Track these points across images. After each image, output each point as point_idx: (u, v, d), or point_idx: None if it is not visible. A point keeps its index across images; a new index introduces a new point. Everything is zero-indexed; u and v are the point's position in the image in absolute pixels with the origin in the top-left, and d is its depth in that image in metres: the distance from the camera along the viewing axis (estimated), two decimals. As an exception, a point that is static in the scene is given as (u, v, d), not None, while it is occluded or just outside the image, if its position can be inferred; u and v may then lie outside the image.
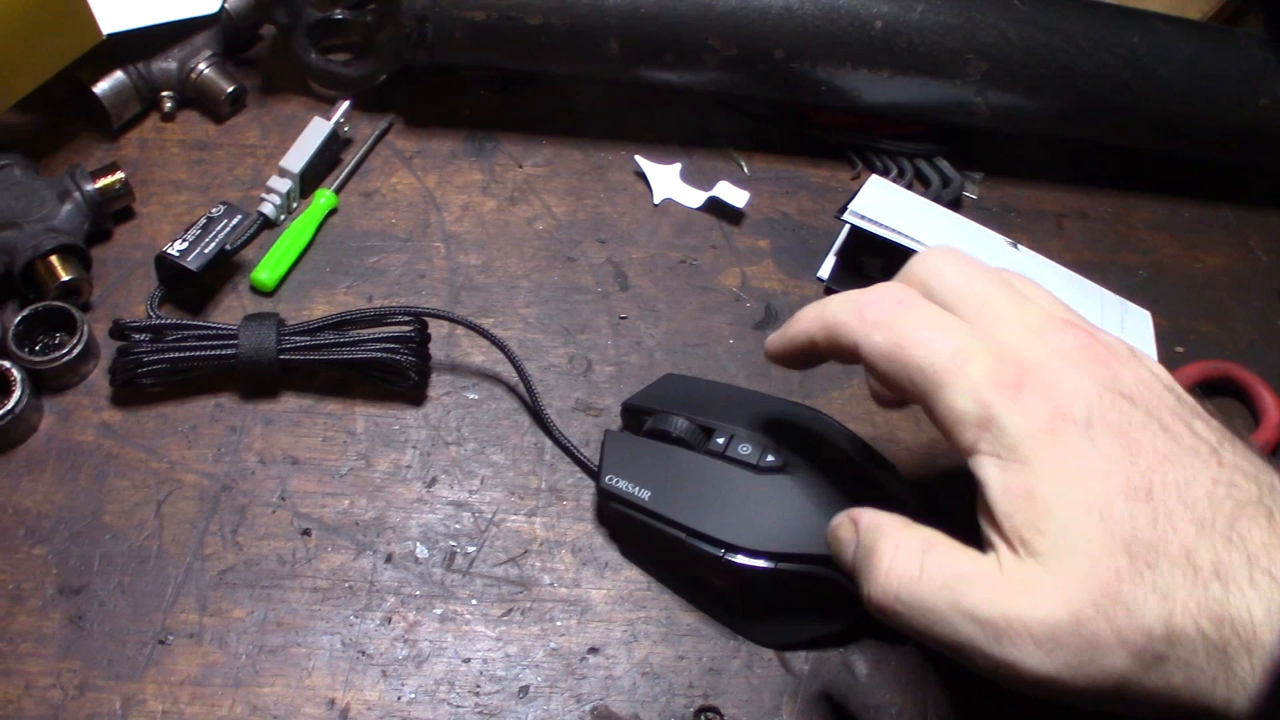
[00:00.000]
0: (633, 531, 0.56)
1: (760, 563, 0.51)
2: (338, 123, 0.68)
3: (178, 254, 0.59)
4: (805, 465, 0.53)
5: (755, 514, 0.52)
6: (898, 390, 0.43)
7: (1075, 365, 0.41)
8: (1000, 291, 0.44)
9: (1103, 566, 0.37)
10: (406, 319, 0.59)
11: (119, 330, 0.57)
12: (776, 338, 0.49)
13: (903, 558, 0.41)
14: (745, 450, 0.53)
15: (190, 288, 0.62)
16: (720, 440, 0.54)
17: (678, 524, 0.53)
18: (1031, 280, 0.46)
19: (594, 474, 0.58)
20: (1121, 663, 0.37)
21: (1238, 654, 0.36)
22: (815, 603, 0.53)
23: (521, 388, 0.60)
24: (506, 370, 0.62)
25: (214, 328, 0.58)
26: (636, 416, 0.58)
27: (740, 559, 0.51)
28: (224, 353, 0.57)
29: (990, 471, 0.40)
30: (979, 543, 0.41)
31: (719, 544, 0.52)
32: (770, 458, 0.53)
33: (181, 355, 0.57)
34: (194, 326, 0.58)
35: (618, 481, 0.55)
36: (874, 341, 0.43)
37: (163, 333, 0.57)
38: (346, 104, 0.68)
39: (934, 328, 0.42)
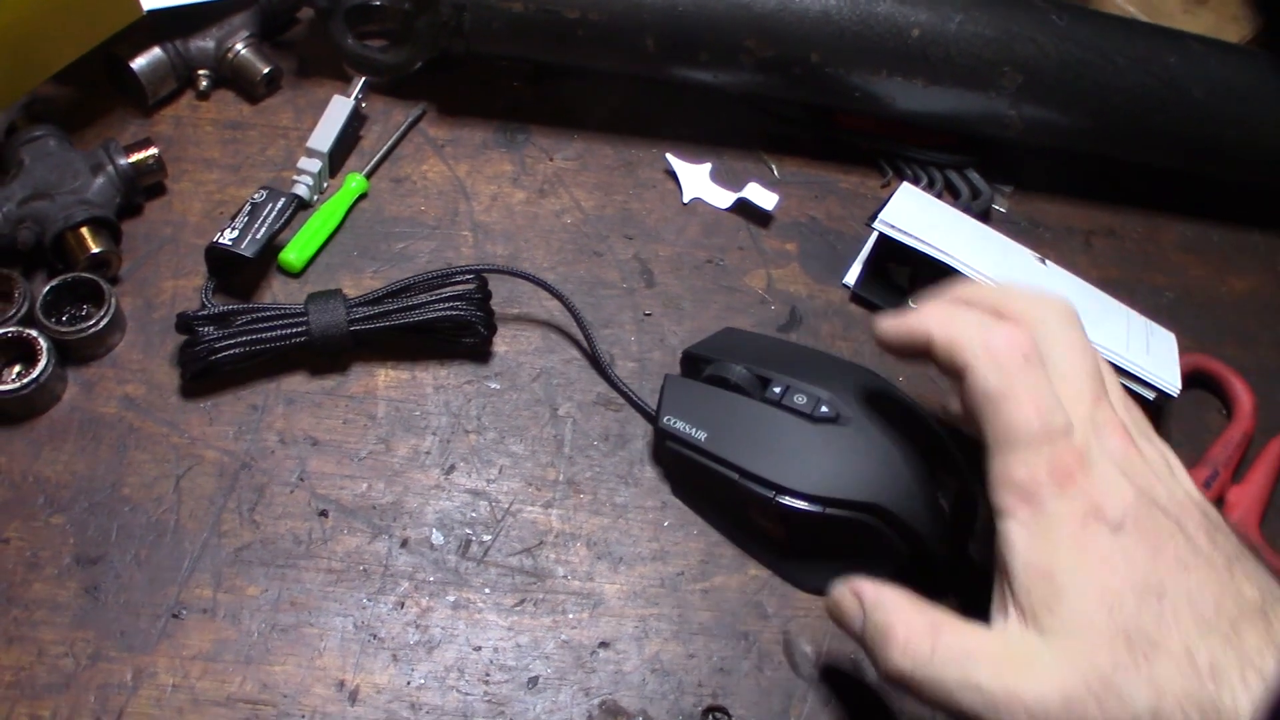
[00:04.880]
0: (686, 471, 0.58)
1: (809, 506, 0.52)
2: (357, 99, 0.68)
3: (230, 243, 0.59)
4: (859, 418, 0.54)
5: (807, 460, 0.53)
6: (973, 423, 0.47)
7: (1120, 471, 0.44)
8: (1090, 383, 0.47)
9: (1102, 653, 0.41)
10: (467, 276, 0.60)
11: (185, 323, 0.57)
12: (894, 322, 0.50)
13: (915, 639, 0.44)
14: (801, 400, 0.55)
15: (234, 275, 0.62)
16: (777, 390, 0.55)
17: (731, 464, 0.54)
18: (1111, 369, 0.50)
19: (652, 417, 0.59)
20: None
21: None
22: (859, 550, 0.54)
23: (543, 378, 0.61)
24: (529, 360, 0.62)
25: (280, 308, 0.58)
26: (696, 365, 0.60)
27: (789, 501, 0.53)
28: (296, 330, 0.58)
29: (1019, 541, 0.44)
30: (987, 602, 0.46)
31: (770, 485, 0.53)
32: (825, 409, 0.54)
33: (254, 338, 0.57)
34: (260, 308, 0.58)
35: (675, 422, 0.56)
36: (986, 379, 0.45)
37: (229, 319, 0.58)
38: (363, 80, 0.69)
39: (1037, 400, 0.44)
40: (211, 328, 0.57)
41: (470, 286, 0.60)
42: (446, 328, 0.60)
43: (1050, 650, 0.42)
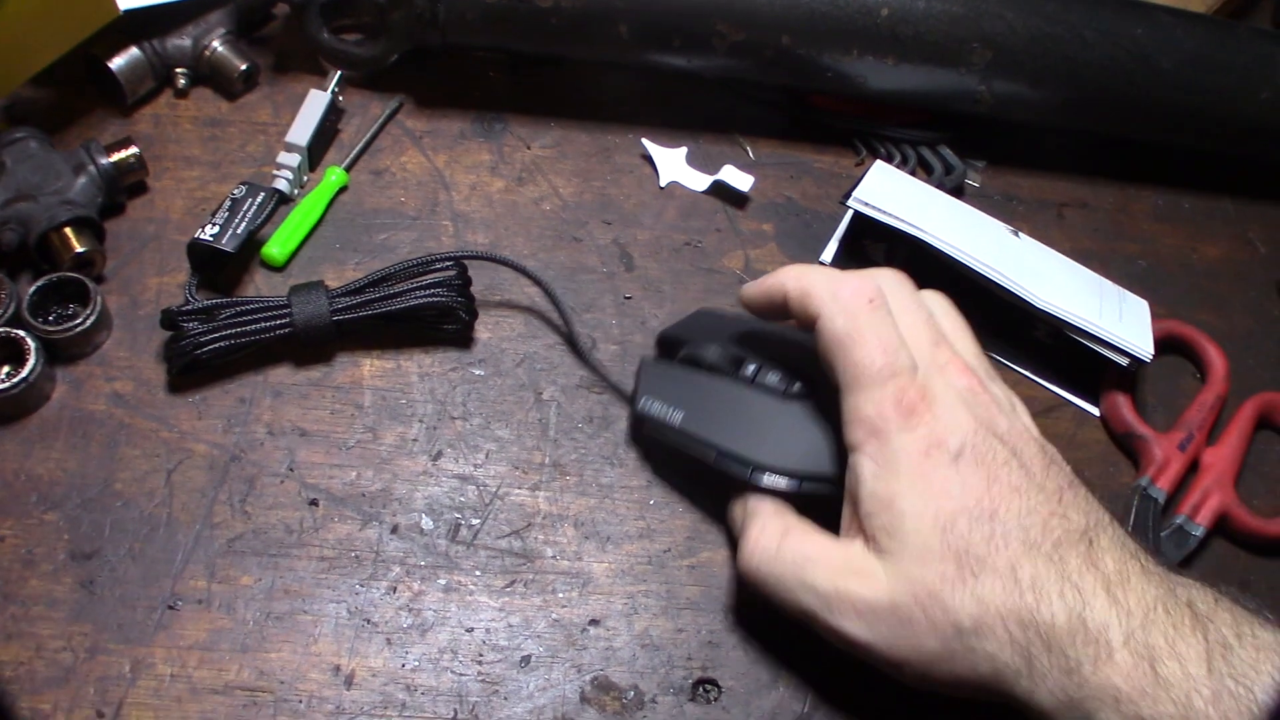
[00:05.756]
0: (665, 453, 0.59)
1: (785, 481, 0.53)
2: (334, 92, 0.69)
3: (211, 238, 0.60)
4: (829, 393, 0.54)
5: (782, 436, 0.54)
6: (826, 367, 0.51)
7: (963, 404, 0.49)
8: (928, 329, 0.52)
9: (932, 571, 0.45)
10: (446, 264, 0.61)
11: (170, 319, 0.58)
12: (754, 285, 0.56)
13: (765, 537, 0.51)
14: (774, 379, 0.55)
15: (217, 271, 0.63)
16: (750, 368, 0.56)
17: (708, 443, 0.55)
18: (960, 320, 0.55)
19: (630, 400, 0.60)
20: (932, 644, 0.45)
21: (1039, 653, 0.43)
22: (836, 526, 0.54)
23: (527, 363, 0.62)
24: (511, 346, 0.63)
25: (264, 300, 0.59)
26: (670, 347, 0.61)
27: (766, 478, 0.53)
28: (279, 322, 0.58)
29: (866, 472, 0.48)
30: (838, 524, 0.50)
31: (746, 463, 0.54)
32: (797, 385, 0.55)
33: (238, 331, 0.58)
34: (243, 301, 0.59)
35: (652, 404, 0.57)
36: (834, 323, 0.50)
37: (213, 313, 0.58)
38: (339, 73, 0.70)
39: (881, 339, 0.49)
40: (196, 322, 0.58)
41: (451, 273, 0.60)
42: (429, 315, 0.60)
43: (884, 567, 0.47)
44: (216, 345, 0.57)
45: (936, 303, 0.55)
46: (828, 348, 0.50)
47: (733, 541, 0.56)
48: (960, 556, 0.45)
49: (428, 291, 0.59)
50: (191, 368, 0.58)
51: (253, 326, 0.58)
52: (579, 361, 0.63)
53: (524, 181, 0.70)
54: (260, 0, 0.72)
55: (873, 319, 0.49)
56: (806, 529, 0.51)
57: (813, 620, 0.49)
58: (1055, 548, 0.45)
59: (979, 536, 0.45)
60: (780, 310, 0.54)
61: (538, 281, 0.62)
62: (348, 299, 0.59)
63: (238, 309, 0.58)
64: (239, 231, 0.60)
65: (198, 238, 0.60)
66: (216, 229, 0.60)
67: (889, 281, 0.53)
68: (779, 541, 0.50)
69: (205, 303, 0.59)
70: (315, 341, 0.60)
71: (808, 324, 0.52)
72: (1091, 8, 0.71)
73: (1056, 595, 0.44)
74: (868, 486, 0.48)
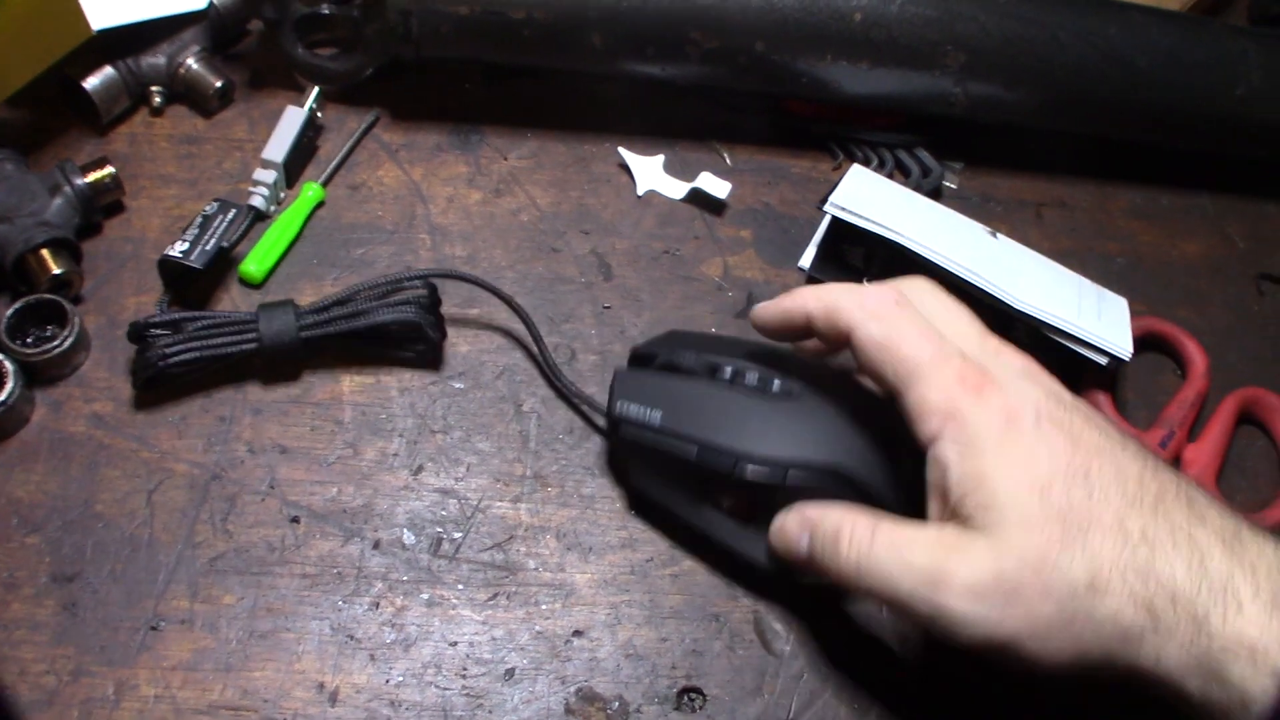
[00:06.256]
0: (644, 462, 0.57)
1: (770, 472, 0.52)
2: (311, 108, 0.69)
3: (180, 254, 0.60)
4: (811, 394, 0.54)
5: (765, 430, 0.53)
6: (876, 377, 0.49)
7: (1026, 377, 0.48)
8: (971, 322, 0.50)
9: (1036, 535, 0.43)
10: (415, 283, 0.60)
11: (137, 332, 0.58)
12: (770, 306, 0.53)
13: (858, 534, 0.47)
14: (752, 378, 0.54)
15: (187, 287, 0.63)
16: (728, 370, 0.55)
17: (690, 438, 0.53)
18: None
19: (603, 418, 0.59)
20: (1048, 610, 0.43)
21: (1164, 606, 0.42)
22: None
23: (506, 375, 0.62)
24: (491, 359, 0.63)
25: (231, 315, 0.59)
26: (644, 361, 0.59)
27: (751, 468, 0.52)
28: (246, 337, 0.58)
29: (950, 455, 0.46)
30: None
31: (730, 454, 0.52)
32: (777, 384, 0.54)
33: (205, 344, 0.58)
34: (211, 316, 0.59)
35: (629, 406, 0.56)
36: (869, 330, 0.48)
37: (180, 326, 0.58)
38: (316, 89, 0.70)
39: (921, 331, 0.48)
40: (163, 334, 0.58)
41: (421, 293, 0.60)
42: (396, 332, 0.60)
43: (987, 541, 0.44)
44: (182, 358, 0.57)
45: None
46: (871, 356, 0.48)
47: (714, 558, 0.56)
48: (1065, 518, 0.43)
49: (395, 309, 0.59)
50: (156, 380, 0.58)
51: (219, 340, 0.58)
52: (553, 384, 0.62)
53: (501, 193, 0.70)
54: (234, 17, 0.72)
55: (906, 315, 0.48)
56: (896, 521, 0.48)
57: (917, 602, 0.45)
58: (1158, 502, 0.44)
59: (1078, 496, 0.44)
60: (800, 331, 0.52)
61: (508, 302, 0.62)
62: (315, 315, 0.59)
63: (205, 323, 0.58)
64: (208, 248, 0.60)
65: (167, 254, 0.60)
66: (186, 245, 0.60)
67: (917, 285, 0.52)
68: (871, 536, 0.47)
69: (172, 315, 0.59)
70: (283, 357, 0.59)
71: (838, 340, 0.50)
72: (1065, 8, 0.71)
73: (1171, 547, 0.43)
74: (955, 470, 0.46)
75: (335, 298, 0.60)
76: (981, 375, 0.47)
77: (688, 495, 0.57)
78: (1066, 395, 0.48)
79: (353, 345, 0.61)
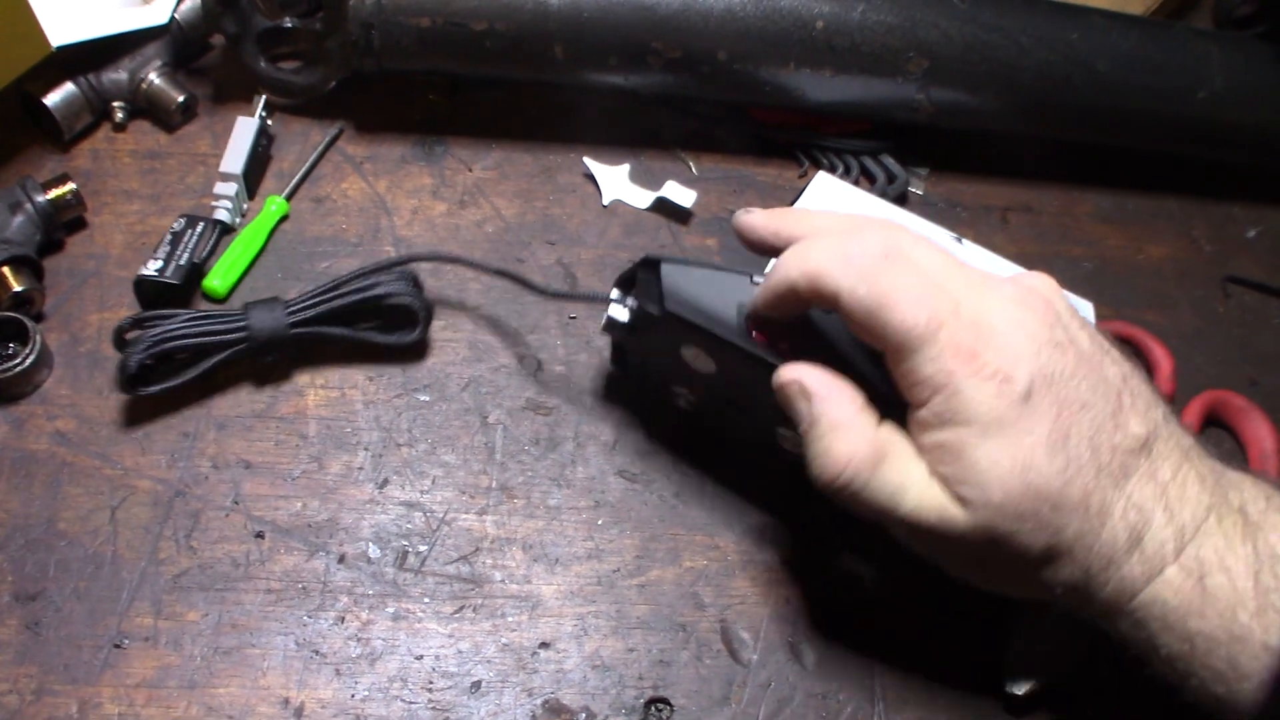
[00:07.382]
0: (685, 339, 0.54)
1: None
2: (261, 116, 0.69)
3: (155, 273, 0.60)
4: None
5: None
6: (868, 336, 0.47)
7: (1018, 324, 0.46)
8: (951, 260, 0.49)
9: (1009, 512, 0.45)
10: (396, 269, 0.61)
11: (120, 337, 0.57)
12: (761, 294, 0.51)
13: (859, 461, 0.47)
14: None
15: (151, 306, 0.62)
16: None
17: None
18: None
19: (615, 307, 0.56)
20: (1008, 576, 0.48)
21: (1099, 570, 0.46)
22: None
23: (472, 387, 0.62)
24: (456, 370, 0.62)
25: (219, 312, 0.60)
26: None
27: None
28: (235, 325, 0.58)
29: (934, 426, 0.46)
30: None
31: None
32: None
33: (195, 330, 0.58)
34: (199, 314, 0.59)
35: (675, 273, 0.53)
36: (858, 295, 0.46)
37: (167, 320, 0.58)
38: (264, 97, 0.70)
39: (914, 294, 0.46)
40: (152, 326, 0.58)
41: (409, 271, 0.61)
42: (389, 308, 0.60)
43: (965, 511, 0.46)
44: (179, 342, 0.57)
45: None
46: (861, 321, 0.46)
47: (666, 556, 0.56)
48: (1038, 494, 0.45)
49: (382, 287, 0.60)
50: (143, 375, 0.57)
51: (208, 332, 0.58)
52: (529, 381, 0.62)
53: (466, 204, 0.70)
54: (196, 31, 0.72)
55: (895, 273, 0.46)
56: (900, 455, 0.47)
57: (897, 535, 0.49)
58: (1121, 466, 0.46)
59: (1055, 469, 0.45)
60: (797, 304, 0.50)
61: (497, 271, 0.60)
62: (303, 302, 0.59)
63: (188, 319, 0.58)
64: (182, 263, 0.60)
65: (142, 274, 0.60)
66: (160, 263, 0.60)
67: (896, 230, 0.49)
68: (873, 469, 0.47)
69: (159, 312, 0.58)
70: (272, 350, 0.60)
71: (828, 306, 0.48)
72: (1026, 14, 0.72)
73: (1119, 516, 0.45)
74: (937, 436, 0.46)
75: (322, 286, 0.60)
76: (974, 337, 0.45)
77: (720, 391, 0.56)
78: (1060, 324, 0.47)
79: (340, 338, 0.61)
